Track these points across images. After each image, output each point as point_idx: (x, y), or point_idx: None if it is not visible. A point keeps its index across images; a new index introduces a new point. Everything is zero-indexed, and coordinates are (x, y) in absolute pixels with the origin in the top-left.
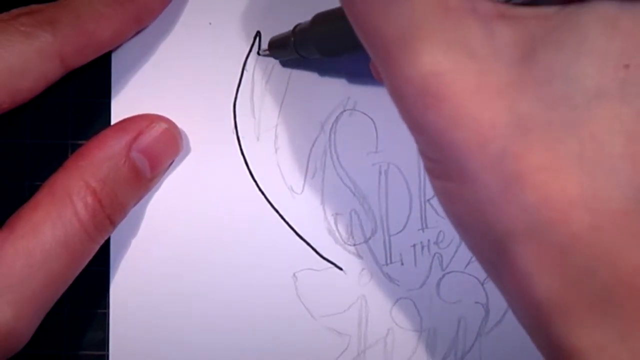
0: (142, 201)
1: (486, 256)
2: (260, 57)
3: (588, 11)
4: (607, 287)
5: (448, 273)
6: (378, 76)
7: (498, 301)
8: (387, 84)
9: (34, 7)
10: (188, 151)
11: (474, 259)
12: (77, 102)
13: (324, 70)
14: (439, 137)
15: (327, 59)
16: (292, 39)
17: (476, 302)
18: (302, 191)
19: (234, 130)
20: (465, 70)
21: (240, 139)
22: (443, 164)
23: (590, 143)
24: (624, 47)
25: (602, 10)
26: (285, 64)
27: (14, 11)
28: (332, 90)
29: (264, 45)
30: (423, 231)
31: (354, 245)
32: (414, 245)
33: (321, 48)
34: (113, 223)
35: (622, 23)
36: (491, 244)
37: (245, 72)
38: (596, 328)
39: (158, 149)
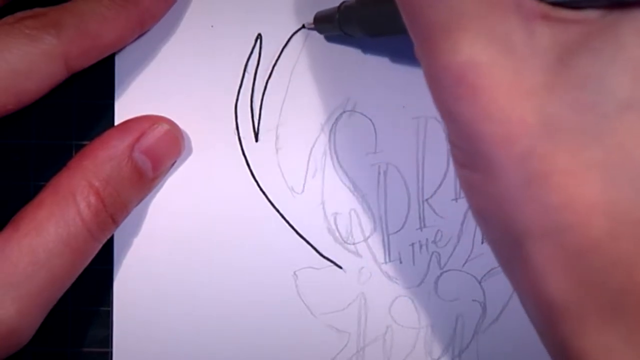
0: (144, 200)
1: (502, 250)
2: (261, 59)
3: (628, 21)
4: (620, 293)
5: (446, 271)
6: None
7: (495, 299)
8: (425, 70)
9: (38, 10)
10: (190, 152)
11: (471, 257)
12: (81, 103)
13: (324, 72)
14: (468, 127)
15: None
16: (337, 15)
17: (473, 300)
18: (303, 191)
19: (235, 131)
20: (502, 66)
21: (242, 139)
22: (469, 153)
23: (617, 152)
24: None
25: None
26: (329, 39)
27: (19, 14)
28: (332, 91)
29: (265, 47)
30: (421, 230)
31: (354, 244)
32: (413, 244)
33: (364, 28)
34: (115, 222)
35: None
36: (508, 240)
37: (246, 73)
38: (605, 331)
39: (160, 150)
